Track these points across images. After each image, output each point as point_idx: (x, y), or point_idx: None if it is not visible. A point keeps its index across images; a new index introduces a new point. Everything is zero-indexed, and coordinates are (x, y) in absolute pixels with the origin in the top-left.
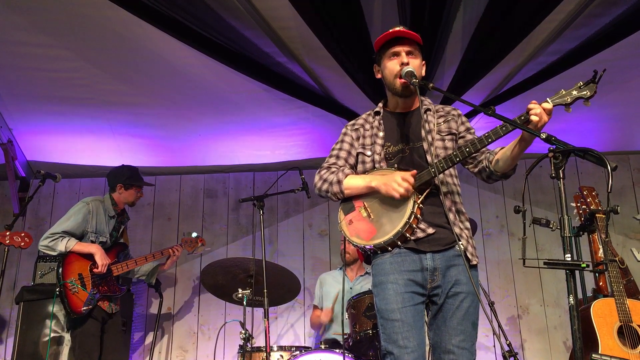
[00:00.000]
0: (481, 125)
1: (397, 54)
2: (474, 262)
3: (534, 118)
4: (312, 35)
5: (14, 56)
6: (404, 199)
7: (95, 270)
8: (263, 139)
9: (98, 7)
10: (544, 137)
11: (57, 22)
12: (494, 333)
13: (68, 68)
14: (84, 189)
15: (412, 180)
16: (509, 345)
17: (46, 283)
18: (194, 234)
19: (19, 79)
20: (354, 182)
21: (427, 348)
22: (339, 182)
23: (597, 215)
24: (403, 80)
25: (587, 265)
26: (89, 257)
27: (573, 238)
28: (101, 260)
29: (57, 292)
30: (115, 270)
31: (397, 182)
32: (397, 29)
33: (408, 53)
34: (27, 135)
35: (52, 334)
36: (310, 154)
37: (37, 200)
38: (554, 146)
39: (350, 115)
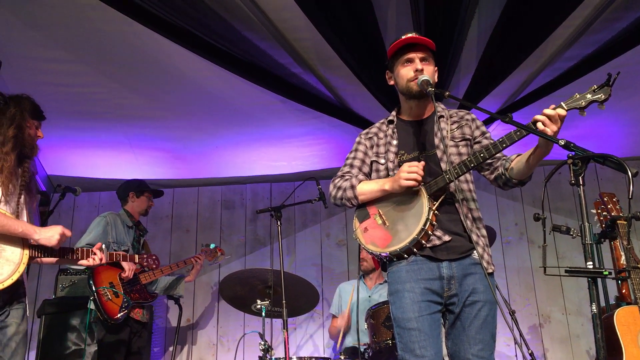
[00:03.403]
0: (498, 132)
1: (410, 61)
2: (490, 271)
3: (539, 125)
4: (327, 46)
5: (33, 72)
6: (419, 206)
7: (123, 275)
8: (279, 150)
9: (115, 22)
10: (563, 143)
11: (75, 38)
12: (515, 342)
13: (86, 83)
14: (103, 202)
15: (418, 165)
16: (531, 354)
17: (67, 296)
18: (212, 245)
19: (38, 95)
20: (367, 187)
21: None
22: (353, 187)
23: (618, 221)
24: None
25: (610, 273)
26: (117, 266)
27: (594, 245)
28: (127, 264)
29: (92, 300)
30: (143, 278)
31: (405, 170)
32: (410, 35)
33: (422, 59)
34: (47, 150)
35: (73, 347)
36: (327, 164)
37: (58, 214)
38: (573, 152)
39: (365, 124)
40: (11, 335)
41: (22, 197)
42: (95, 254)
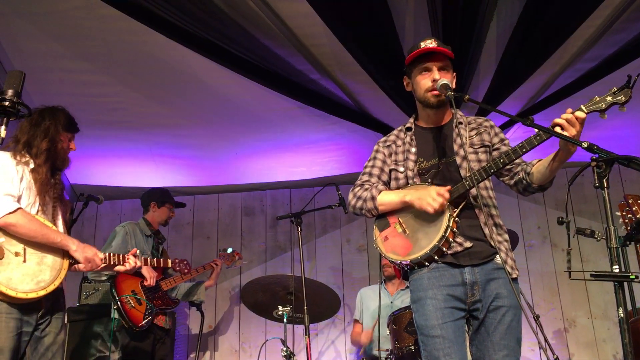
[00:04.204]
0: (518, 135)
1: (428, 69)
2: (514, 275)
3: (558, 130)
4: (345, 52)
5: (57, 83)
6: (439, 213)
7: (145, 283)
8: (299, 156)
9: (136, 33)
10: (586, 146)
11: (97, 49)
12: (540, 347)
13: (108, 93)
14: (126, 210)
15: (447, 195)
16: (556, 359)
17: (92, 304)
18: (230, 249)
19: (61, 105)
20: (388, 198)
21: None
22: (373, 198)
23: None
24: (436, 92)
25: (636, 277)
26: (138, 274)
27: (620, 248)
28: (148, 272)
29: (115, 309)
30: (164, 285)
31: (432, 196)
32: (429, 43)
33: (440, 68)
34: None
35: (98, 354)
36: (347, 169)
37: (81, 222)
38: (597, 155)
39: (384, 129)
40: (49, 345)
41: (57, 207)
42: (130, 259)
